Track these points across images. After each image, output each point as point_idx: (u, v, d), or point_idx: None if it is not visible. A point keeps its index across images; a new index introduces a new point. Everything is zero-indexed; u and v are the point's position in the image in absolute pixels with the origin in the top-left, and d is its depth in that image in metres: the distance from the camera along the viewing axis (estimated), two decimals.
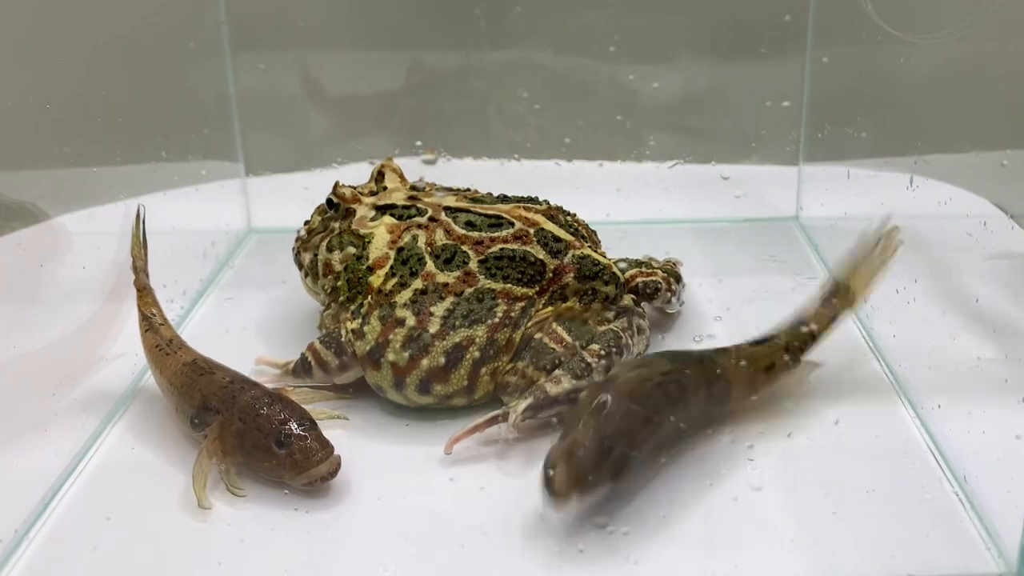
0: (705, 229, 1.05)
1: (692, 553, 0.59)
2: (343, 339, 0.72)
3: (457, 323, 0.70)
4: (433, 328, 0.70)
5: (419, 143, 1.09)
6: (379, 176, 0.81)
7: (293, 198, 0.84)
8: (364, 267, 0.73)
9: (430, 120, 1.10)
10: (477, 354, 0.70)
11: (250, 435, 0.64)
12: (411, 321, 0.70)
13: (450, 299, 0.70)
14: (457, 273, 0.71)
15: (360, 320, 0.71)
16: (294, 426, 0.64)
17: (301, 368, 0.74)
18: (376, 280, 0.72)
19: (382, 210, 0.77)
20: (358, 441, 0.70)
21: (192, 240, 0.95)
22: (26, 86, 0.73)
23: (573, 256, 0.75)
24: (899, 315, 0.79)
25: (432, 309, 0.70)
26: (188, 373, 0.69)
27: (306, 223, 0.81)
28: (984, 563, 0.58)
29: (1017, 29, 0.70)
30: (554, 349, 0.71)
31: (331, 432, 0.66)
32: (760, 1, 1.04)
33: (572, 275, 0.74)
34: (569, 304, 0.74)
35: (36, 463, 0.66)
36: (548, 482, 0.59)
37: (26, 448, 0.67)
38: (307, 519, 0.63)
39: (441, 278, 0.71)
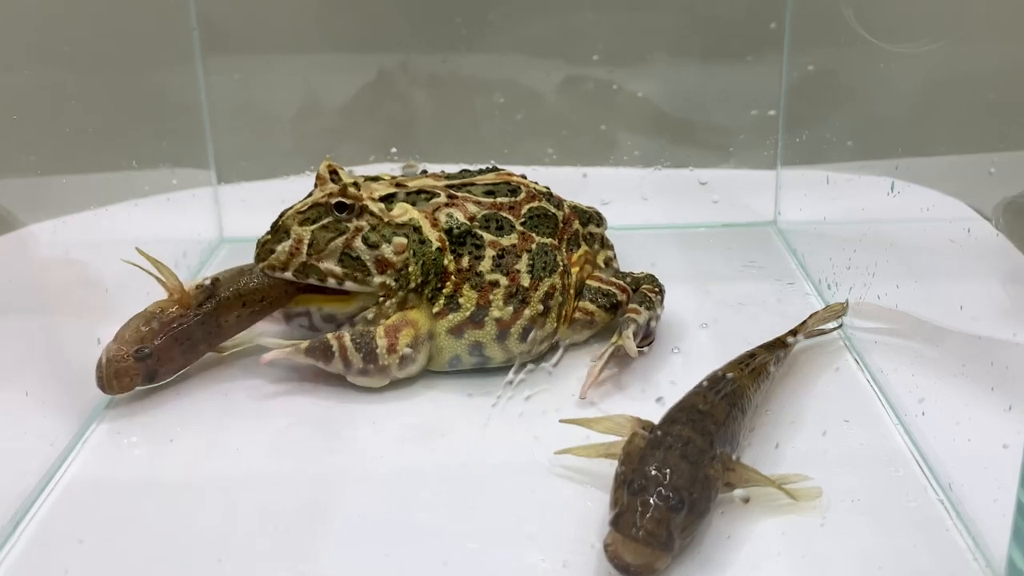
0: (684, 235, 1.05)
1: (678, 566, 0.58)
2: (377, 348, 0.75)
3: (541, 274, 0.78)
4: (525, 282, 0.77)
5: (394, 150, 1.08)
6: (333, 175, 0.80)
7: (266, 206, 0.82)
8: (434, 249, 0.77)
9: (405, 127, 1.09)
10: (561, 298, 0.79)
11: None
12: (504, 281, 0.77)
13: (525, 256, 0.78)
14: (514, 235, 0.79)
15: (444, 299, 0.77)
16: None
17: (319, 352, 0.75)
18: (450, 263, 0.77)
19: (387, 200, 0.78)
20: (346, 453, 0.69)
21: (163, 250, 0.92)
22: None
23: (568, 206, 0.86)
24: (882, 322, 0.78)
25: (517, 267, 0.78)
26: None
27: (269, 243, 0.77)
28: (971, 573, 0.58)
29: (1000, 35, 0.70)
30: (610, 289, 0.82)
31: (318, 443, 0.64)
32: (744, 9, 1.04)
33: (576, 221, 0.85)
34: (585, 248, 0.85)
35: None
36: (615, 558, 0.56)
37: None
38: (286, 537, 0.61)
39: (506, 242, 0.79)
